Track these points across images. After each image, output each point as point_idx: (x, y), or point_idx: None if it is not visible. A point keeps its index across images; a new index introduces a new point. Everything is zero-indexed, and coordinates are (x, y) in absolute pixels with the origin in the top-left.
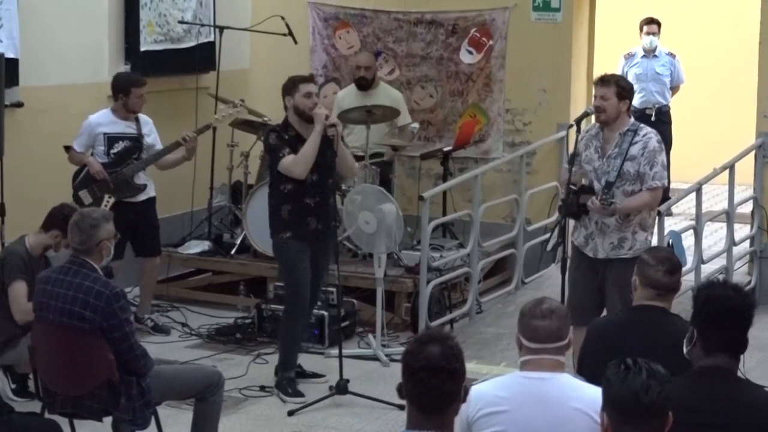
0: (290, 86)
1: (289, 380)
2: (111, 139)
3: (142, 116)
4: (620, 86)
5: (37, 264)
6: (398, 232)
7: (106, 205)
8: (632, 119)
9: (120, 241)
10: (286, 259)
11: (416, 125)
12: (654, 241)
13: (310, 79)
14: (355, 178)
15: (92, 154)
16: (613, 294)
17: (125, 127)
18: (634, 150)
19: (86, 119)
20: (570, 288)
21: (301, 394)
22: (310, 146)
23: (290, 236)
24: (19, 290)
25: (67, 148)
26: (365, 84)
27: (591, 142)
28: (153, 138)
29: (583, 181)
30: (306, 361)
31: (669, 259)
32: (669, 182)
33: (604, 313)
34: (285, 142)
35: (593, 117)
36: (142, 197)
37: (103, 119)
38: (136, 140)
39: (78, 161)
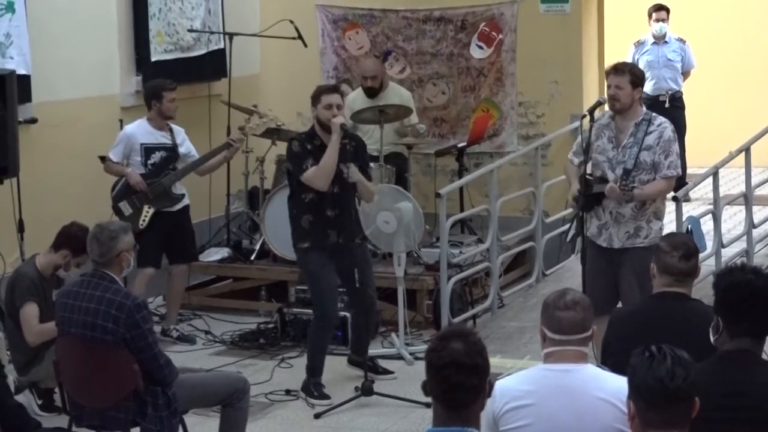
0: (314, 97)
1: (315, 384)
2: (148, 150)
3: (175, 126)
4: (634, 74)
5: (49, 284)
6: (417, 230)
7: (145, 216)
8: (644, 108)
9: (158, 251)
10: (307, 271)
11: (423, 126)
12: (672, 228)
13: (334, 89)
14: None
15: (128, 165)
16: (628, 282)
17: (161, 138)
18: (650, 140)
19: (122, 130)
20: (586, 279)
21: (327, 397)
22: (329, 157)
23: (309, 246)
24: (30, 312)
25: (102, 159)
26: (374, 92)
27: (603, 132)
28: (186, 146)
29: (589, 171)
30: (330, 362)
31: (684, 244)
32: (685, 168)
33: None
34: (308, 151)
35: (606, 106)
36: (179, 206)
37: (140, 129)
38: (172, 150)
39: (116, 172)
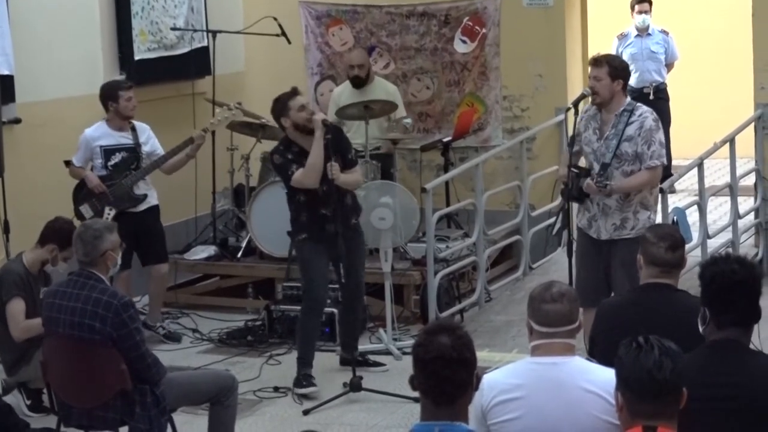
0: (281, 108)
1: (304, 375)
2: (107, 152)
3: (138, 124)
4: (612, 66)
5: (36, 280)
6: (406, 225)
7: (107, 218)
8: (628, 99)
9: (126, 251)
10: (300, 257)
11: (409, 120)
12: (658, 219)
13: (296, 92)
14: None
15: (92, 168)
16: (619, 274)
17: (121, 138)
18: (631, 130)
19: (82, 133)
20: (576, 270)
21: (314, 385)
22: (316, 154)
23: (306, 237)
24: (16, 308)
25: (68, 163)
26: (360, 82)
27: (590, 123)
28: (152, 144)
29: (581, 163)
30: (318, 359)
31: (671, 236)
32: (670, 159)
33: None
34: (290, 160)
35: (590, 98)
36: (143, 207)
37: (99, 132)
38: (133, 150)
39: (77, 176)
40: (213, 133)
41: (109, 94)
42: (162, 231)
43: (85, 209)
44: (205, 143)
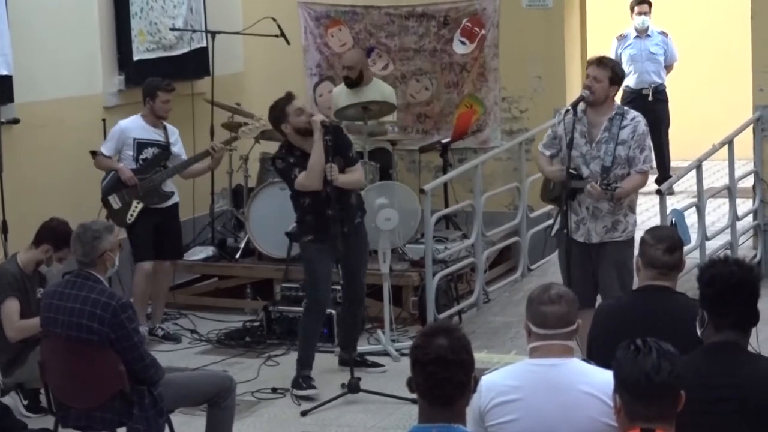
0: (279, 115)
1: (304, 377)
2: (140, 145)
3: (169, 126)
4: (615, 72)
5: (31, 280)
6: (404, 226)
7: (134, 211)
8: (617, 103)
9: (146, 245)
10: (305, 259)
11: (391, 128)
12: (656, 221)
13: (291, 97)
14: None
15: (119, 159)
16: (609, 276)
17: (154, 134)
18: (624, 134)
19: (116, 124)
20: (565, 272)
21: (314, 387)
22: (316, 155)
23: (312, 239)
24: (11, 308)
25: (93, 153)
26: (351, 83)
27: (575, 126)
28: (179, 147)
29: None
30: (316, 359)
31: (669, 238)
32: (669, 161)
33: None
34: (292, 164)
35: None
36: (168, 203)
37: (134, 124)
38: (165, 148)
39: (106, 166)
40: (212, 134)
41: (149, 91)
42: (180, 228)
43: (113, 199)
44: (203, 145)
